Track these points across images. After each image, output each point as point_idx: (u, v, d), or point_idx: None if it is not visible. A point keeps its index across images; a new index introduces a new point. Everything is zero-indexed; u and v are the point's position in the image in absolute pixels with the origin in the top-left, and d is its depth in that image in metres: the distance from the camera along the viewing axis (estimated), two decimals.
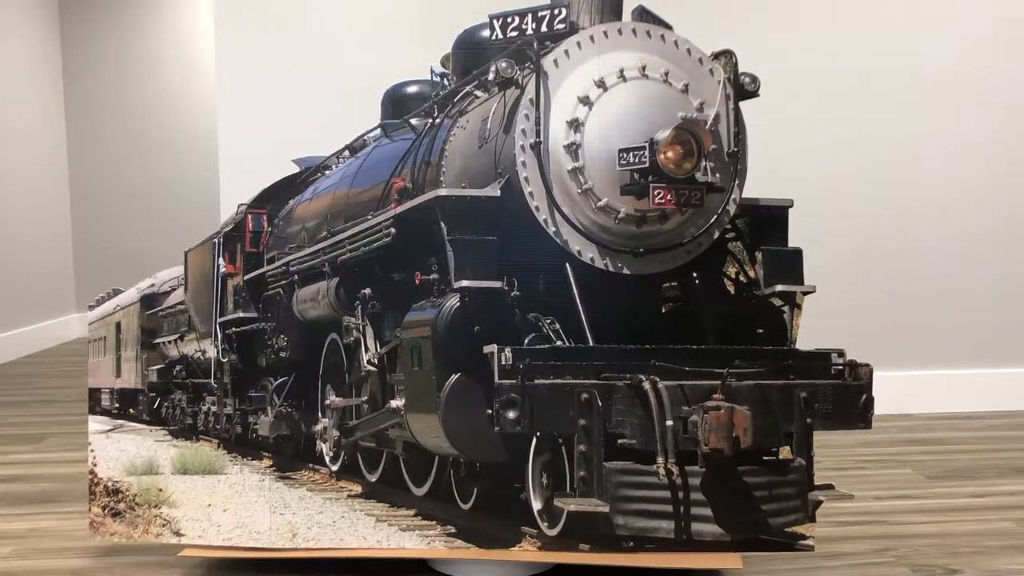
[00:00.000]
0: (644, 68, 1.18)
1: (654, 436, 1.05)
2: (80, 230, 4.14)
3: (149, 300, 1.55)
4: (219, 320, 1.51)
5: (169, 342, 1.50)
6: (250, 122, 2.13)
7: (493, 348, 1.08)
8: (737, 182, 1.23)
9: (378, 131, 1.60)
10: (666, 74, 1.18)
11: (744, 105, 1.23)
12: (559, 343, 1.12)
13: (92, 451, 1.35)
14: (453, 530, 1.24)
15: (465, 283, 1.13)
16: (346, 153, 1.65)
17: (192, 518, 1.30)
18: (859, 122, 2.25)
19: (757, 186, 2.20)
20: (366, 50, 2.14)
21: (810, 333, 2.27)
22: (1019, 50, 2.27)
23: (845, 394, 1.13)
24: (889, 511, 1.52)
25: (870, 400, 1.12)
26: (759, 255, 1.26)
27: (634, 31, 1.20)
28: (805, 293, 1.26)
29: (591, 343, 1.13)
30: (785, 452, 1.12)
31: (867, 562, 1.29)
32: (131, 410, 1.48)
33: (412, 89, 1.59)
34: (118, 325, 1.55)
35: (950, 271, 2.29)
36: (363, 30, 2.14)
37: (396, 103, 1.60)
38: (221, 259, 1.53)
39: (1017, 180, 2.29)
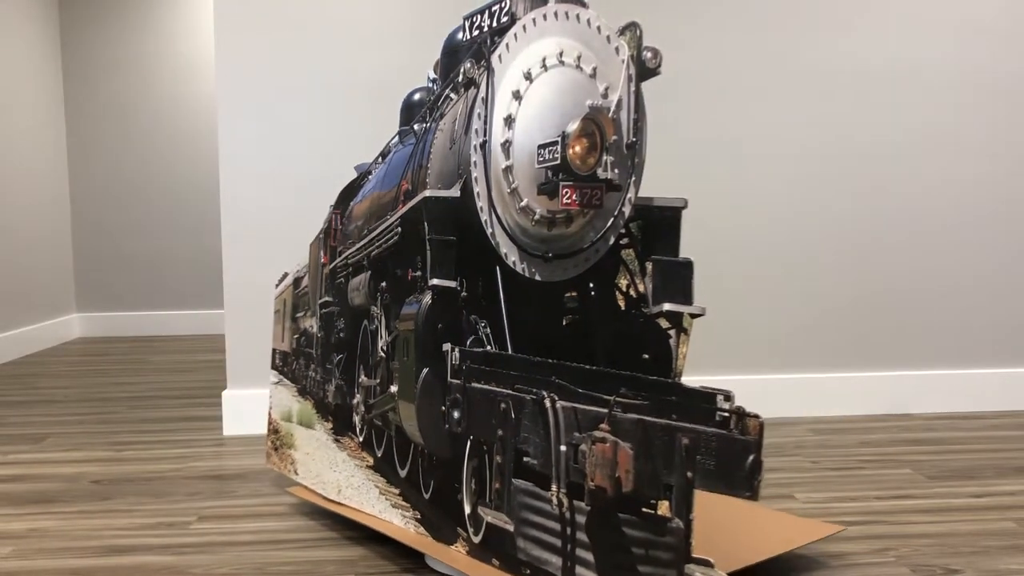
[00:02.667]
0: (561, 54, 1.11)
1: (551, 460, 0.97)
2: (80, 230, 4.14)
3: (297, 281, 1.78)
4: (319, 301, 1.68)
5: (301, 316, 1.73)
6: (250, 122, 2.14)
7: (447, 346, 1.09)
8: (634, 178, 1.10)
9: (397, 137, 1.67)
10: (578, 58, 1.11)
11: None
12: (488, 348, 1.12)
13: (270, 396, 1.71)
14: (419, 516, 1.30)
15: (435, 281, 1.15)
16: (380, 159, 1.75)
17: (301, 462, 1.56)
18: (861, 119, 2.25)
19: (761, 184, 2.20)
20: (368, 51, 2.15)
21: (809, 333, 2.28)
22: (1012, 43, 2.27)
23: (730, 449, 0.88)
24: (889, 511, 1.52)
25: (757, 463, 0.86)
26: (649, 266, 1.10)
27: (556, 14, 1.14)
28: (693, 316, 1.09)
29: (510, 350, 1.10)
30: (663, 508, 0.94)
31: (867, 562, 1.29)
32: (285, 368, 1.75)
33: (417, 96, 1.67)
34: (284, 300, 1.82)
35: (950, 270, 2.29)
36: (365, 31, 2.14)
37: (407, 110, 1.67)
38: (322, 251, 1.70)
39: (1018, 179, 2.29)
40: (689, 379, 2.27)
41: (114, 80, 4.11)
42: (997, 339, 2.31)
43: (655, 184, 2.20)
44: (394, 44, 2.15)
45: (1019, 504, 1.54)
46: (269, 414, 1.70)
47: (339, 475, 1.49)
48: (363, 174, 1.83)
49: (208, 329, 4.21)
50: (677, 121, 2.21)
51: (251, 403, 2.16)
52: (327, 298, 1.65)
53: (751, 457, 0.86)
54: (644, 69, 1.11)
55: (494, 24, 1.18)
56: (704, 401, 0.92)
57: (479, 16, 1.21)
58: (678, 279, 1.06)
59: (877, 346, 2.29)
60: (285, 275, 1.84)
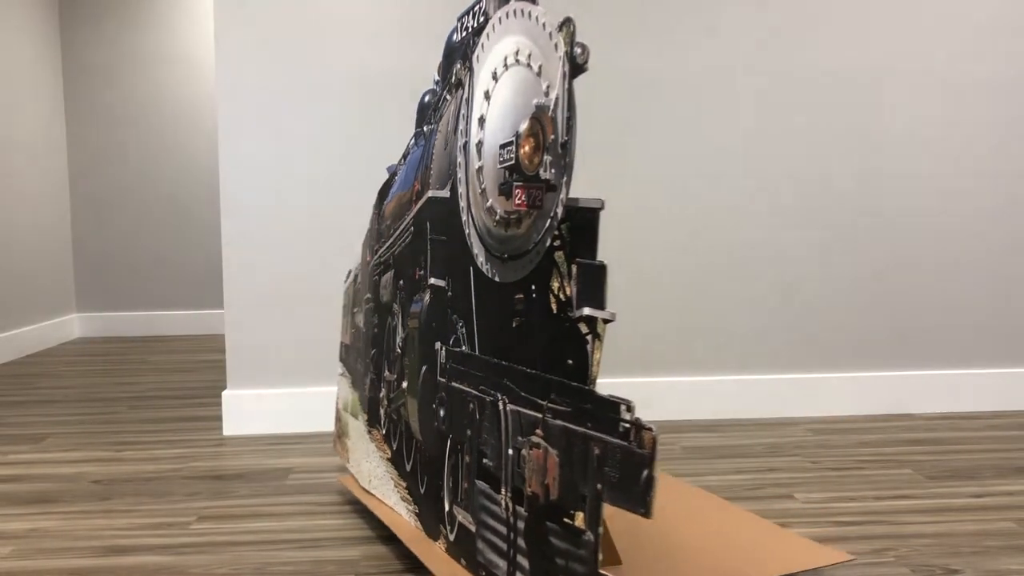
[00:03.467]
0: (517, 52, 1.10)
1: (501, 462, 0.97)
2: (80, 230, 4.14)
3: (356, 278, 1.85)
4: (363, 297, 1.74)
5: (356, 311, 1.81)
6: (250, 122, 2.13)
7: (438, 345, 1.12)
8: (565, 178, 1.07)
9: (414, 139, 1.71)
10: (529, 56, 1.09)
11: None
12: (463, 348, 1.14)
13: (337, 387, 1.78)
14: (418, 510, 1.32)
15: (431, 280, 1.18)
16: (403, 160, 1.79)
17: (351, 450, 1.64)
18: (864, 116, 2.25)
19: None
20: (369, 50, 2.15)
21: (809, 333, 2.28)
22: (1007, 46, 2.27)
23: (630, 462, 0.84)
24: (889, 511, 1.52)
25: (651, 479, 0.81)
26: (574, 268, 1.06)
27: (514, 12, 1.12)
28: (606, 322, 1.06)
29: (476, 351, 1.11)
30: (579, 519, 0.91)
31: (867, 562, 1.29)
32: (346, 360, 1.82)
33: (427, 98, 1.68)
34: (348, 295, 1.89)
35: (950, 270, 2.29)
36: (366, 30, 2.14)
37: (420, 112, 1.70)
38: (368, 249, 1.77)
39: (1019, 179, 2.29)
40: (688, 379, 2.28)
41: (114, 80, 4.11)
42: (997, 339, 2.31)
43: (661, 183, 2.21)
44: (396, 44, 2.15)
45: (1019, 504, 1.54)
46: (336, 404, 1.75)
47: (370, 465, 1.53)
48: (392, 175, 1.87)
49: (208, 329, 4.21)
50: (676, 120, 2.21)
51: (251, 403, 2.16)
52: (368, 295, 1.68)
53: (645, 472, 0.82)
54: (575, 65, 1.07)
55: (475, 24, 1.19)
56: (611, 411, 0.89)
57: (467, 16, 1.22)
58: (596, 283, 1.02)
59: (877, 346, 2.29)
60: (350, 272, 1.90)
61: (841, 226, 2.26)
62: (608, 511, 1.42)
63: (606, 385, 2.23)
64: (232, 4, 2.11)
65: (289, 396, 2.17)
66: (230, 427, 2.16)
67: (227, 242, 2.15)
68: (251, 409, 2.16)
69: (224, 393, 2.16)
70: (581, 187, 2.20)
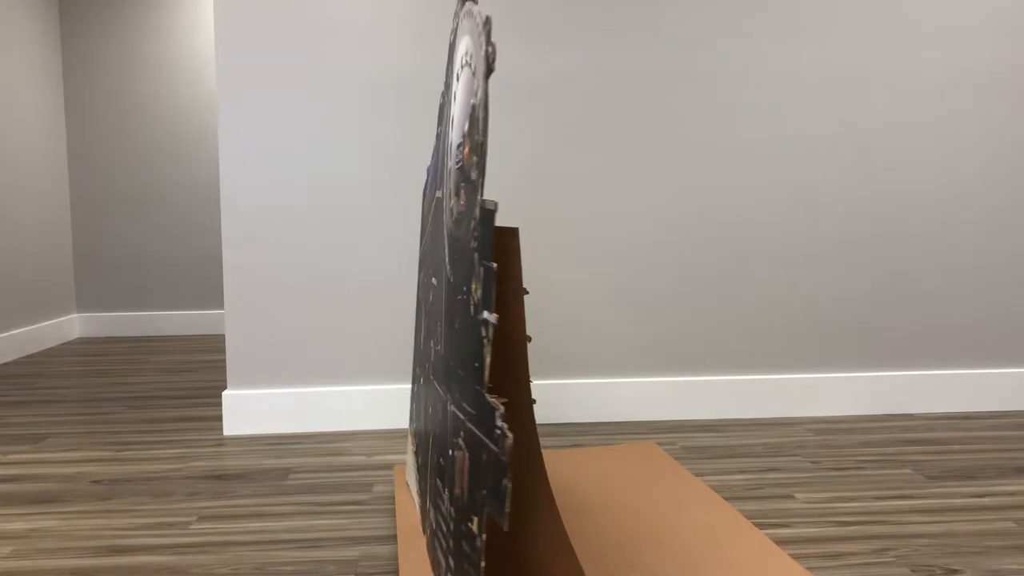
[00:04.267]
0: (467, 54, 1.10)
1: (446, 462, 0.98)
2: (80, 230, 4.14)
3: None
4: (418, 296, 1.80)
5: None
6: (250, 122, 2.13)
7: (432, 343, 1.12)
8: (482, 180, 1.04)
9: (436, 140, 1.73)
10: (471, 57, 1.08)
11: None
12: (439, 347, 1.15)
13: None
14: (422, 503, 1.34)
15: (432, 280, 1.20)
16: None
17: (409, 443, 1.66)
18: (866, 118, 2.25)
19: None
20: (370, 50, 2.15)
21: (809, 333, 2.28)
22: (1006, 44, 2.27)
23: (495, 468, 0.81)
24: (889, 511, 1.52)
25: (506, 488, 0.78)
26: (482, 271, 1.04)
27: (467, 14, 1.12)
28: (494, 326, 1.04)
29: (443, 351, 1.12)
30: (475, 524, 0.89)
31: (867, 562, 1.29)
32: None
33: (441, 100, 1.69)
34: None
35: (950, 270, 2.29)
36: (367, 30, 2.14)
37: (440, 113, 1.70)
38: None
39: (1020, 179, 2.29)
40: (688, 379, 2.27)
41: (114, 80, 4.11)
42: (997, 339, 2.31)
43: (663, 182, 2.21)
44: (397, 44, 2.15)
45: (1019, 504, 1.54)
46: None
47: (408, 458, 1.57)
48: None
49: (208, 329, 4.20)
50: (677, 120, 2.21)
51: (251, 403, 2.16)
52: (418, 293, 1.70)
53: (504, 481, 0.78)
54: (487, 65, 1.04)
55: (455, 26, 1.21)
56: (489, 416, 0.86)
57: (454, 18, 1.24)
58: (492, 288, 0.99)
59: (877, 346, 2.29)
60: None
61: (841, 227, 2.26)
62: (609, 515, 1.41)
63: (608, 385, 2.23)
64: (232, 5, 2.11)
65: (289, 396, 2.17)
66: (230, 427, 2.16)
67: (227, 242, 2.15)
68: (251, 409, 2.16)
69: (224, 393, 2.16)
70: (582, 186, 2.20)
